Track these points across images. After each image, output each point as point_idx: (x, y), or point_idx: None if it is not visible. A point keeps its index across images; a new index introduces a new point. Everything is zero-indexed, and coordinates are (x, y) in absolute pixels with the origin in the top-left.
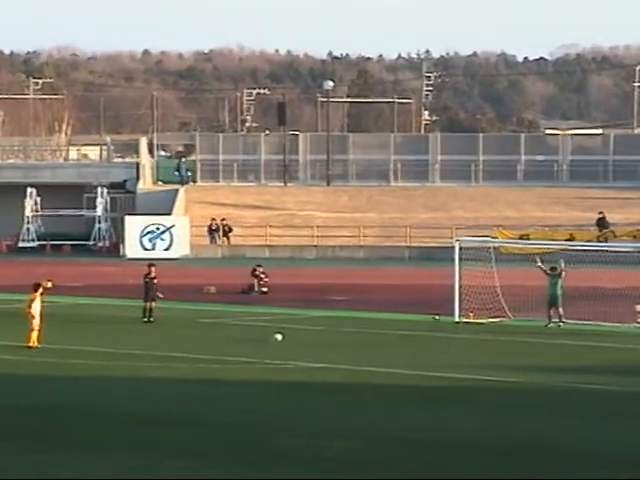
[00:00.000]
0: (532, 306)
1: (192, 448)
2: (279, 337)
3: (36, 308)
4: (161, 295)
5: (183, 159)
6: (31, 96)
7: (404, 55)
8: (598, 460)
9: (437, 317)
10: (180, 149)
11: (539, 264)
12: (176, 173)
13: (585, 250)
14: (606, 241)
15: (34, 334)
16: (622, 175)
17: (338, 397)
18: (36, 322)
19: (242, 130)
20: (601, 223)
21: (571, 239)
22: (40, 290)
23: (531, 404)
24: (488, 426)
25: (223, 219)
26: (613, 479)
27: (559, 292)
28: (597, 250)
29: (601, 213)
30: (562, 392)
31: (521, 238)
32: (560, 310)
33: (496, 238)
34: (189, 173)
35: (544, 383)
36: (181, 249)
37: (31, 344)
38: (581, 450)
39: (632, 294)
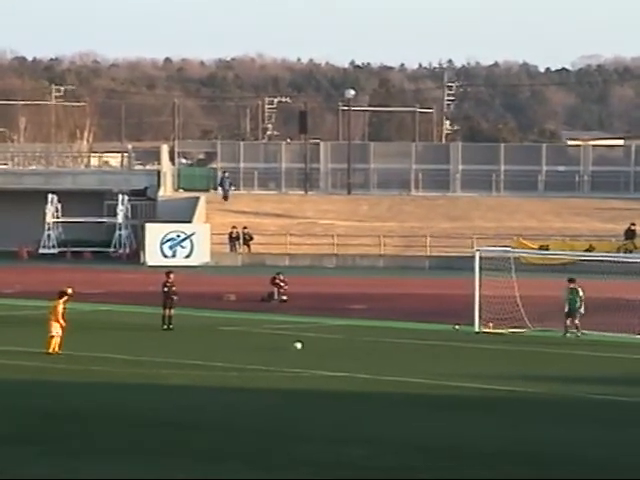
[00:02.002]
0: (552, 316)
1: (209, 454)
2: (299, 345)
3: (60, 315)
4: (176, 297)
5: (227, 173)
6: (53, 103)
7: (425, 65)
8: (618, 469)
9: (457, 327)
10: (202, 157)
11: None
12: (219, 187)
13: (604, 261)
14: (630, 252)
15: (54, 341)
16: None
17: (355, 406)
18: (57, 329)
19: (263, 138)
20: (630, 234)
21: (590, 250)
22: (65, 297)
23: (550, 414)
24: (506, 436)
25: (244, 227)
26: None
27: (577, 304)
28: (617, 261)
29: (634, 224)
30: (581, 402)
31: (541, 248)
32: (577, 321)
33: (516, 248)
34: (233, 187)
35: (563, 393)
36: (201, 257)
37: (51, 351)
38: (601, 459)
39: None
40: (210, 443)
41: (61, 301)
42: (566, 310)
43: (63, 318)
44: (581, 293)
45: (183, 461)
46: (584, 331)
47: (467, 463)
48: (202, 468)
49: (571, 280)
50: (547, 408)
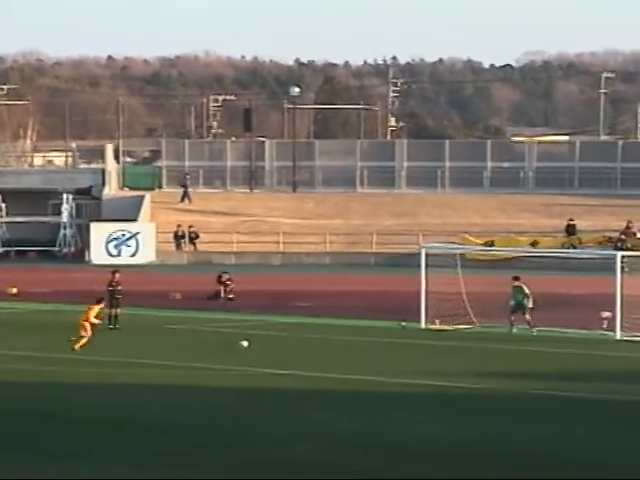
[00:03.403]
0: (497, 312)
1: (156, 454)
2: (245, 344)
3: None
4: (120, 297)
5: (188, 175)
6: None
7: (370, 61)
8: (563, 464)
9: (403, 324)
10: (146, 155)
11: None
12: (181, 188)
13: (549, 257)
14: (574, 248)
15: (82, 341)
16: (588, 182)
17: (302, 404)
18: (87, 331)
19: (208, 136)
20: (570, 230)
21: (535, 246)
22: (101, 305)
23: (499, 410)
24: (457, 433)
25: (190, 226)
26: None
27: (523, 301)
28: (561, 257)
29: (572, 220)
30: (527, 398)
31: (486, 244)
32: (527, 317)
33: (461, 244)
34: (191, 190)
35: (509, 389)
36: (147, 255)
37: (76, 347)
38: (547, 454)
39: (597, 300)
40: (158, 443)
41: (97, 308)
42: (511, 306)
43: (90, 322)
44: (526, 290)
45: (130, 461)
46: (535, 327)
47: (418, 462)
48: (146, 468)
49: (516, 278)
50: (496, 404)
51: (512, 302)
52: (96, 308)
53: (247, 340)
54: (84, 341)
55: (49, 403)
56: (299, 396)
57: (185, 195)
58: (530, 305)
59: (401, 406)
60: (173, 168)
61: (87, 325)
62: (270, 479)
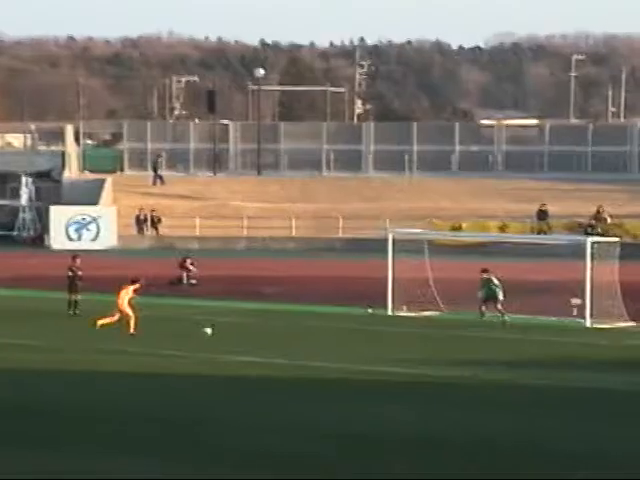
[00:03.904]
0: (465, 299)
1: (122, 444)
2: (209, 331)
3: (125, 302)
4: (80, 283)
5: (160, 158)
6: None
7: (337, 42)
8: (533, 453)
9: (370, 310)
10: (107, 137)
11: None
12: (152, 172)
13: (518, 242)
14: (544, 233)
15: (132, 322)
16: (558, 166)
17: (269, 392)
18: (128, 314)
19: (171, 118)
20: (541, 215)
21: (504, 231)
22: (136, 285)
23: (464, 399)
24: (426, 422)
25: (152, 209)
26: (544, 474)
27: (494, 292)
28: (531, 243)
29: (544, 205)
30: (495, 387)
31: (453, 228)
32: (499, 306)
33: (429, 229)
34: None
35: (479, 377)
36: (108, 240)
37: (132, 331)
38: (518, 443)
39: (567, 287)
40: (122, 432)
41: (131, 288)
42: (480, 297)
43: (129, 305)
44: (496, 281)
45: (95, 450)
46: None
47: (389, 451)
48: (115, 459)
49: (484, 270)
50: (467, 393)
51: (481, 294)
52: (130, 288)
53: (212, 326)
54: (108, 321)
55: (4, 392)
56: (266, 384)
57: (157, 178)
58: (501, 297)
59: (371, 394)
60: (135, 151)
61: (124, 308)
62: (236, 469)
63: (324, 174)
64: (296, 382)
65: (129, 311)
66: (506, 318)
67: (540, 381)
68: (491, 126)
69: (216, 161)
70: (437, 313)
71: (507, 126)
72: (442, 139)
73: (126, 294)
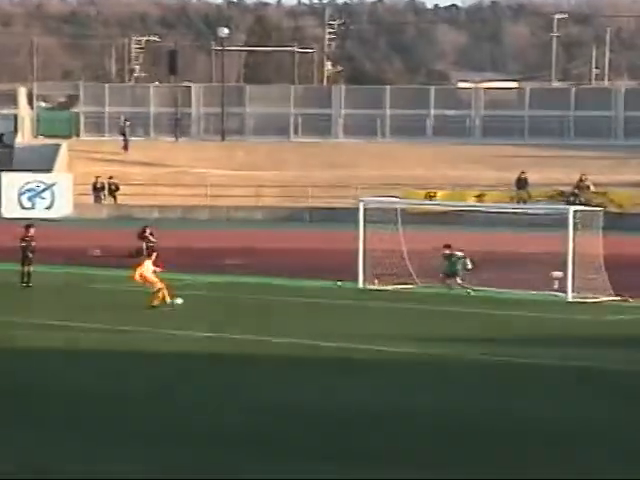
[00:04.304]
0: (441, 272)
1: (83, 425)
2: (179, 301)
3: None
4: (32, 254)
5: (127, 122)
6: None
7: (305, 0)
8: (495, 434)
9: (339, 283)
10: (63, 100)
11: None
12: (121, 138)
13: (497, 212)
14: (524, 203)
15: (161, 293)
16: (538, 132)
17: (234, 369)
18: (156, 283)
19: (130, 80)
20: (521, 183)
21: (481, 199)
22: (153, 257)
23: (442, 377)
24: (396, 400)
25: (110, 177)
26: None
27: (456, 267)
28: (510, 212)
29: (523, 173)
30: (474, 364)
31: (427, 197)
32: (459, 280)
33: (403, 198)
34: (130, 137)
35: (454, 354)
36: (63, 208)
37: (160, 302)
38: (495, 424)
39: (548, 260)
40: (82, 411)
41: (147, 260)
42: (443, 273)
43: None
44: (459, 254)
45: (59, 432)
46: (475, 287)
47: (358, 432)
48: (63, 440)
49: (447, 246)
50: (441, 371)
51: (446, 269)
52: (147, 262)
53: (180, 298)
54: (161, 294)
55: None
56: (231, 361)
57: (127, 142)
58: (469, 267)
59: (340, 372)
60: (92, 114)
61: (150, 278)
62: (200, 450)
63: (292, 140)
64: (258, 359)
65: (155, 282)
66: (470, 291)
67: (519, 359)
68: (468, 89)
69: (177, 126)
70: (411, 286)
71: (485, 89)
72: (416, 103)
73: (145, 268)
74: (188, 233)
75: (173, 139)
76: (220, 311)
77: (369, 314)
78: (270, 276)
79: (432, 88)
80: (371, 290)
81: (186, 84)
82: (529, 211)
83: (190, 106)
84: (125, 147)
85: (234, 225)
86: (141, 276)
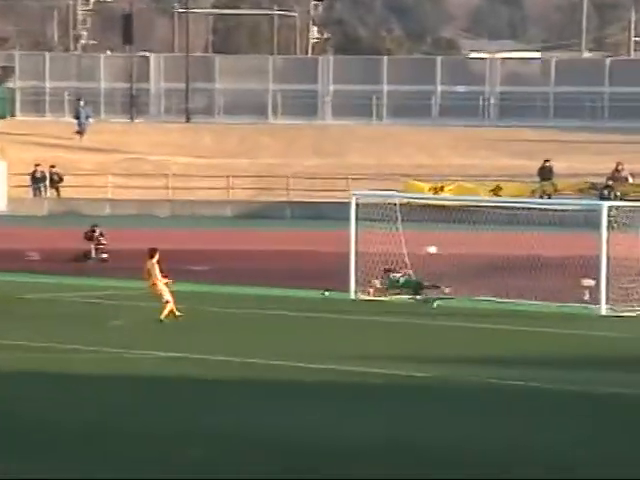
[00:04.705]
0: (449, 279)
1: (23, 455)
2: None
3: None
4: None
5: (82, 102)
6: None
7: None
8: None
9: (327, 293)
10: None
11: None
12: (75, 120)
13: (515, 208)
14: (549, 197)
15: (169, 306)
16: (566, 112)
17: (197, 395)
18: (166, 295)
19: (75, 49)
20: (545, 173)
21: (497, 193)
22: (157, 257)
23: (443, 404)
24: (389, 432)
25: (52, 165)
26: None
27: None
28: (531, 208)
29: (547, 161)
30: (475, 389)
31: (433, 190)
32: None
33: (403, 192)
34: (90, 120)
35: (460, 378)
36: None
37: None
38: (490, 459)
39: (577, 265)
40: (21, 442)
41: (154, 261)
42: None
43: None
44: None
45: None
46: (488, 298)
47: (344, 465)
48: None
49: (387, 270)
50: (443, 397)
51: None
52: (149, 263)
53: (119, 318)
54: (170, 307)
55: None
56: (193, 385)
57: (83, 126)
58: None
59: (324, 399)
60: (30, 90)
61: (159, 286)
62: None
63: (270, 121)
64: (231, 383)
65: (164, 292)
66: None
67: (531, 383)
68: (482, 60)
69: (133, 104)
70: (411, 297)
71: (502, 61)
72: (420, 77)
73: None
74: (145, 233)
75: (128, 120)
76: (182, 327)
77: (362, 330)
78: (243, 284)
79: (438, 59)
80: (364, 301)
81: (143, 54)
82: (555, 207)
83: (148, 81)
84: (79, 132)
85: (201, 223)
86: (154, 284)
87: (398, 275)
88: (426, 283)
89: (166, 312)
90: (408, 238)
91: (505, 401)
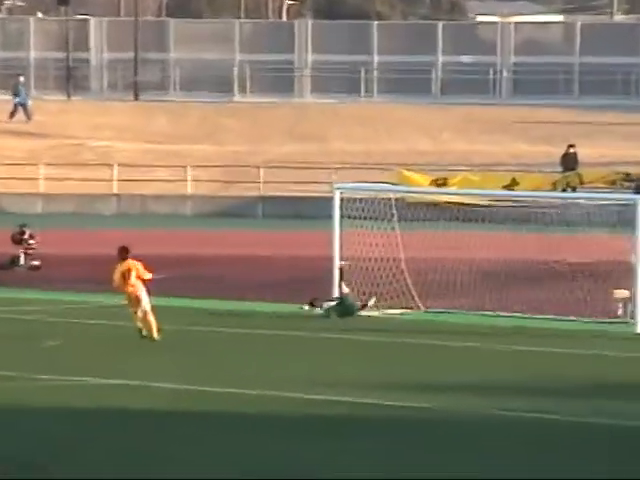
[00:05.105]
0: (455, 291)
1: None
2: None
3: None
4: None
5: (22, 78)
6: None
7: None
8: None
9: (305, 307)
10: None
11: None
12: (15, 98)
13: (533, 205)
14: (573, 190)
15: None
16: (593, 87)
17: (147, 430)
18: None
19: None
20: (569, 162)
21: (511, 186)
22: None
23: (445, 439)
24: (382, 470)
25: None
26: None
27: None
28: (553, 204)
29: (572, 146)
30: (484, 422)
31: (434, 183)
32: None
33: (398, 184)
34: (29, 102)
35: (460, 409)
36: None
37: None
38: None
39: (608, 273)
40: None
41: (128, 263)
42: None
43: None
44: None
45: None
46: (501, 313)
47: None
48: None
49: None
50: (446, 432)
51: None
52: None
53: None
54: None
55: None
56: (143, 419)
57: (17, 107)
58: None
59: (308, 433)
60: None
61: (134, 289)
62: None
63: (237, 99)
64: (188, 417)
65: (139, 298)
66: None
67: (550, 416)
68: (492, 24)
69: (70, 78)
70: (410, 312)
71: (516, 25)
72: (417, 46)
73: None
74: (86, 235)
75: (64, 98)
76: (130, 348)
77: (349, 351)
78: (204, 297)
79: (439, 24)
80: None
81: (82, 17)
82: (580, 202)
83: (88, 50)
84: (13, 114)
85: (153, 222)
86: (133, 289)
87: (327, 304)
88: (358, 304)
89: (155, 328)
90: (406, 239)
91: (514, 436)
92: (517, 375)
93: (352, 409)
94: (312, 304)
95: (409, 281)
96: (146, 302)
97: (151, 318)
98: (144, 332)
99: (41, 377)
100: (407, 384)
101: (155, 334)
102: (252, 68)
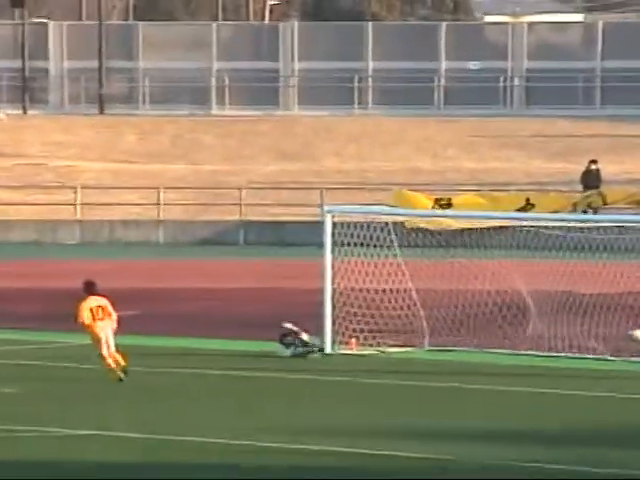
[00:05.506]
0: (460, 325)
1: None
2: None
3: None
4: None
5: None
6: None
7: None
8: None
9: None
10: None
11: None
12: None
13: (549, 228)
14: (595, 212)
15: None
16: (617, 95)
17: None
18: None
19: None
20: (591, 180)
21: (527, 209)
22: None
23: None
24: None
25: None
26: None
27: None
28: (572, 227)
29: (593, 162)
30: (485, 473)
31: (437, 204)
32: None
33: (397, 207)
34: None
35: (467, 460)
36: None
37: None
38: None
39: (629, 306)
40: None
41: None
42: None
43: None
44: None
45: None
46: (506, 350)
47: None
48: None
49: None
50: None
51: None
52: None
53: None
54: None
55: None
56: (113, 473)
57: None
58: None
59: None
60: None
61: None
62: None
63: (214, 112)
64: (154, 467)
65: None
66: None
67: (576, 466)
68: (503, 25)
69: (27, 90)
70: (411, 350)
71: (530, 26)
72: (417, 50)
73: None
74: (45, 265)
75: (19, 112)
76: (93, 394)
77: (344, 396)
78: (178, 335)
79: (442, 25)
80: (345, 356)
81: (40, 21)
82: (603, 224)
83: (47, 58)
84: None
85: (121, 252)
86: (101, 328)
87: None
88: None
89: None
90: (407, 267)
91: None
92: (525, 420)
93: (341, 459)
94: (282, 341)
95: (422, 313)
96: (112, 342)
97: (118, 357)
98: (121, 375)
99: None
100: (407, 433)
101: (121, 374)
102: (231, 77)
